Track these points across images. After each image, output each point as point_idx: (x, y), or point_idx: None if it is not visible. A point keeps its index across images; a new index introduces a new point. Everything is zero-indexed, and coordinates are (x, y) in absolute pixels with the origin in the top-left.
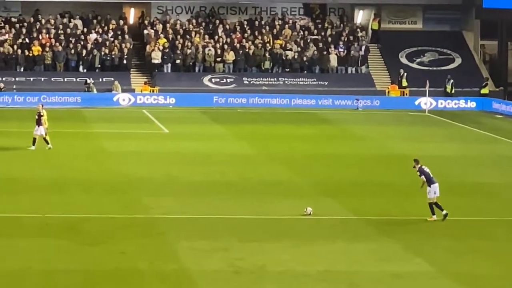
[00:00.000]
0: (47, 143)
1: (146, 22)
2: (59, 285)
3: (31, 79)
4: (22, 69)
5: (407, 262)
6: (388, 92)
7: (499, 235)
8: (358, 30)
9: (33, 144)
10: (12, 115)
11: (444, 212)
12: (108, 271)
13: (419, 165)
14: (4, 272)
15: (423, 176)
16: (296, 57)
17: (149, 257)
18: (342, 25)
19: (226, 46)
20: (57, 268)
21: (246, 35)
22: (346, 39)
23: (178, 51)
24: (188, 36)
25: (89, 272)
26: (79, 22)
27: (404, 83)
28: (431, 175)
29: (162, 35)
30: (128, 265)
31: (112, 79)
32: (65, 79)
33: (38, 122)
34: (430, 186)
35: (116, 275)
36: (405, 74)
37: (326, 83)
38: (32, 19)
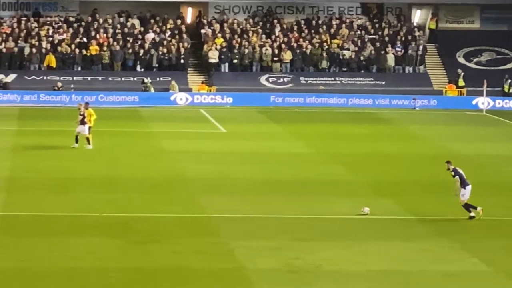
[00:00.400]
0: (76, 142)
1: (203, 21)
2: (114, 284)
3: (89, 78)
4: (79, 69)
5: (462, 261)
6: (446, 91)
7: None
8: (416, 29)
9: (89, 143)
10: (70, 114)
11: (472, 214)
12: (162, 269)
13: (452, 166)
14: (59, 270)
15: (457, 176)
16: (353, 56)
17: (204, 256)
18: (399, 24)
19: (283, 46)
20: (112, 267)
21: (303, 34)
22: (403, 39)
23: (235, 51)
24: (245, 36)
25: (143, 270)
26: (136, 22)
27: (461, 83)
28: (465, 177)
29: (219, 35)
30: (182, 263)
31: (169, 78)
32: (123, 79)
33: (82, 121)
34: (465, 188)
35: (170, 273)
36: (463, 73)
37: (383, 82)
38: (90, 19)
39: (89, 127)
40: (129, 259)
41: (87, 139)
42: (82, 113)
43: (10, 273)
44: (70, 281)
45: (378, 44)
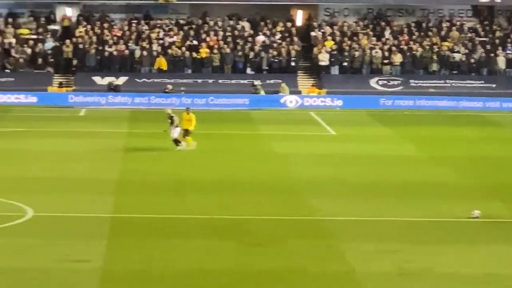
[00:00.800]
0: (177, 144)
1: (313, 24)
2: (228, 285)
3: (199, 81)
4: (190, 71)
5: None
6: None
7: None
8: None
9: (177, 145)
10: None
11: None
12: (275, 271)
13: None
14: (174, 272)
15: None
16: (463, 59)
17: (316, 259)
18: (510, 27)
19: (393, 48)
20: (226, 269)
21: (413, 37)
22: None
23: (345, 53)
24: (355, 38)
25: (257, 272)
26: (246, 24)
27: None
28: None
29: (329, 37)
30: (294, 266)
31: (279, 81)
32: (233, 81)
33: (173, 125)
34: None
35: (282, 276)
36: None
37: (494, 85)
38: (200, 21)
39: (187, 130)
40: (243, 261)
41: (175, 140)
42: (171, 115)
43: (127, 275)
44: (185, 283)
45: (488, 47)
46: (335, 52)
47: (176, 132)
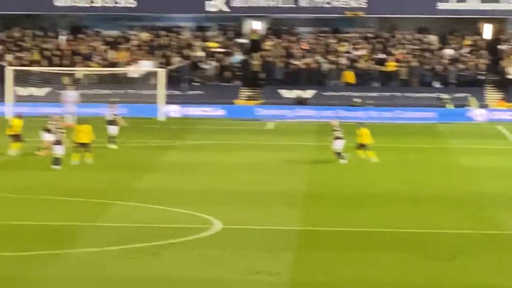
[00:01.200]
0: (340, 158)
1: (502, 37)
2: None
3: (386, 94)
4: (377, 85)
5: None
6: None
7: None
8: None
9: (341, 158)
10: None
11: None
12: (462, 286)
13: None
14: (360, 285)
15: None
16: None
17: (507, 274)
18: None
19: None
20: (410, 282)
21: None
22: None
23: None
24: None
25: (444, 287)
26: (434, 38)
27: None
28: None
29: None
30: (484, 281)
31: (468, 94)
32: (420, 95)
33: (336, 137)
34: None
35: None
36: None
37: None
38: (387, 35)
39: (363, 145)
40: (428, 275)
41: (338, 153)
42: (335, 128)
43: (310, 286)
44: None
45: None
46: None
47: (336, 145)
